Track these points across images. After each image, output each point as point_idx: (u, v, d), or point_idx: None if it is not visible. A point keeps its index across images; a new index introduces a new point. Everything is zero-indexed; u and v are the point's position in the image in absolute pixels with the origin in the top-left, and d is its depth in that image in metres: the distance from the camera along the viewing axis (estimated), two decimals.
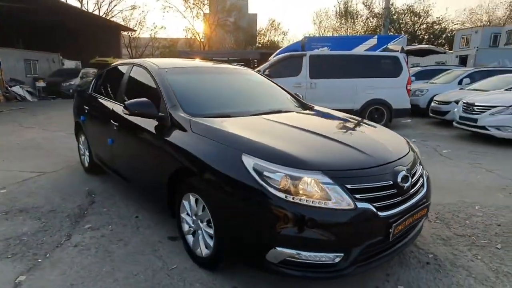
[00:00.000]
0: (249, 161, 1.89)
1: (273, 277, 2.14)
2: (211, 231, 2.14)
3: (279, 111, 2.89)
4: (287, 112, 2.93)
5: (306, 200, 1.75)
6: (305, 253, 1.75)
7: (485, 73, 10.62)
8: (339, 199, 1.77)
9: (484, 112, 6.61)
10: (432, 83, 11.51)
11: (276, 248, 1.76)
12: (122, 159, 3.26)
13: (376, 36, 12.09)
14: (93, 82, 4.33)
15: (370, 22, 36.34)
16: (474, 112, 6.84)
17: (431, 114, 9.34)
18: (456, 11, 73.08)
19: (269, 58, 11.16)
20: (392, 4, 32.31)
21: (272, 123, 2.49)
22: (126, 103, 2.62)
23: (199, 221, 2.26)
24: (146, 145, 2.76)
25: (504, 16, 35.12)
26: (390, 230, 1.88)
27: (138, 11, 61.46)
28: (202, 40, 38.32)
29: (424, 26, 34.88)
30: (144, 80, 3.11)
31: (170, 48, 40.64)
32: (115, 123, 3.18)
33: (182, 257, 2.43)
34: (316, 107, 3.29)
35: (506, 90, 7.70)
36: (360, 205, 1.79)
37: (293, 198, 1.75)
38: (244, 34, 39.85)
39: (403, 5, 40.84)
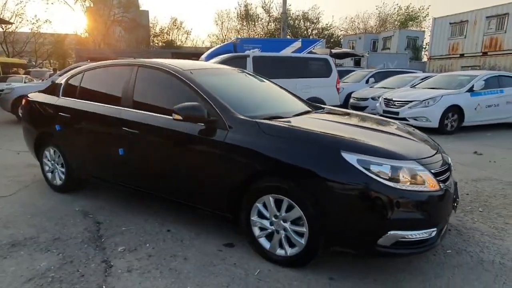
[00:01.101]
0: (351, 157, 2.04)
1: (361, 265, 2.34)
2: (301, 229, 2.21)
3: (309, 112, 3.06)
4: (317, 112, 3.11)
5: (409, 186, 2.01)
6: (412, 232, 2.01)
7: (385, 74, 12.67)
8: (431, 182, 2.08)
9: (403, 106, 7.99)
10: (344, 82, 13.11)
11: (390, 232, 1.97)
12: (144, 168, 2.93)
13: (300, 40, 13.19)
14: (59, 86, 3.70)
15: (270, 25, 38.67)
16: (394, 106, 8.19)
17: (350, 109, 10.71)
18: (339, 19, 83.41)
19: (200, 58, 11.02)
20: (289, 10, 35.18)
21: (327, 122, 2.66)
22: (176, 107, 2.44)
23: (281, 222, 2.29)
24: (193, 151, 2.59)
25: (375, 25, 41.76)
26: (455, 205, 2.28)
27: (15, 1, 51.17)
28: (93, 37, 34.59)
29: (316, 31, 38.90)
30: (165, 83, 2.89)
31: (56, 45, 35.69)
32: (133, 130, 2.85)
33: (255, 261, 2.40)
34: (325, 107, 3.56)
35: (411, 87, 9.40)
36: (442, 186, 2.14)
37: (400, 186, 1.98)
38: (145, 31, 37.68)
39: (297, 11, 44.63)
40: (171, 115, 2.53)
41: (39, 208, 3.35)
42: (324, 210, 2.08)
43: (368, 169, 2.00)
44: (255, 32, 40.03)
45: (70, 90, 3.59)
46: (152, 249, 2.59)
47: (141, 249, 2.59)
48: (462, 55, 20.24)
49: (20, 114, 4.27)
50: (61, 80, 3.75)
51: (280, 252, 2.34)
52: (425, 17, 38.71)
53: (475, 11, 19.26)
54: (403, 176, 2.01)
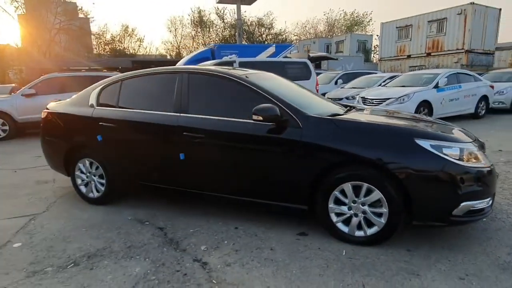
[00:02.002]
0: (425, 143, 2.40)
1: (427, 236, 2.70)
2: (380, 210, 2.51)
3: (351, 109, 3.40)
4: (357, 110, 3.44)
5: (472, 163, 2.41)
6: (477, 201, 2.41)
7: (351, 75, 13.60)
8: (485, 160, 2.51)
9: (381, 103, 8.73)
10: None
11: (462, 203, 2.35)
12: (211, 170, 3.04)
13: (274, 45, 13.64)
14: (91, 96, 3.64)
15: (224, 32, 39.00)
16: (372, 104, 8.91)
17: None
18: (291, 24, 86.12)
19: (178, 64, 10.97)
20: (244, 16, 35.80)
21: (379, 117, 3.01)
22: (256, 109, 2.65)
23: (360, 205, 2.57)
24: (267, 151, 2.78)
25: (325, 30, 44.03)
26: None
27: None
28: (37, 47, 32.20)
29: (270, 36, 40.01)
30: (223, 88, 3.07)
31: None
32: (197, 135, 2.96)
33: (335, 244, 2.65)
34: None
35: (383, 86, 10.27)
36: (490, 163, 2.58)
37: (466, 164, 2.38)
38: (90, 39, 35.87)
39: (252, 17, 45.45)
40: (240, 118, 2.76)
41: (88, 221, 3.28)
42: (406, 191, 2.41)
43: (441, 152, 2.37)
44: (210, 39, 40.13)
45: (107, 100, 3.57)
46: (233, 244, 2.73)
47: (223, 246, 2.71)
48: (409, 56, 22.23)
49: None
50: (92, 90, 3.69)
51: (359, 233, 2.62)
52: (368, 22, 41.79)
53: (418, 16, 21.33)
54: (467, 156, 2.42)
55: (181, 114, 3.09)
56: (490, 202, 2.53)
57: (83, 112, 3.60)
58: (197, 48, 40.65)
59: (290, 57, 11.04)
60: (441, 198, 2.39)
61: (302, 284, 2.18)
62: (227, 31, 38.43)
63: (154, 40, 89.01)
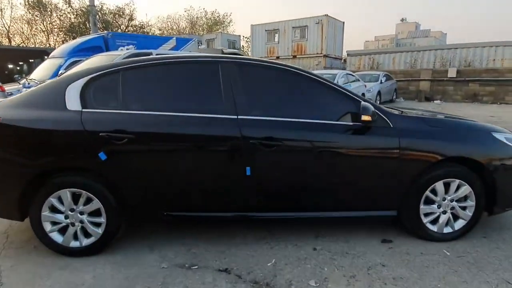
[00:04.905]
0: (501, 136, 2.61)
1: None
2: (466, 204, 2.58)
3: None
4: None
5: None
6: None
7: None
8: None
9: None
10: None
11: None
12: (291, 185, 2.45)
13: (175, 38, 12.28)
14: (71, 93, 2.38)
15: (76, 17, 33.29)
16: None
17: None
18: (152, 17, 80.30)
19: (52, 55, 8.67)
20: (103, 3, 31.43)
21: (427, 112, 3.09)
22: (366, 108, 2.28)
23: (449, 202, 2.58)
24: (363, 155, 2.47)
25: (187, 27, 43.40)
26: None
27: None
28: None
29: (131, 28, 36.61)
30: (290, 84, 2.56)
31: None
32: (273, 142, 2.34)
33: (426, 245, 2.58)
34: None
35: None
36: None
37: None
38: None
39: (108, 5, 40.28)
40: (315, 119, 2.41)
41: (113, 282, 2.15)
42: (493, 183, 2.54)
43: None
44: (54, 25, 33.50)
45: (102, 99, 2.41)
46: (339, 270, 2.29)
47: (332, 275, 2.24)
48: (278, 57, 24.36)
49: None
50: (67, 84, 2.41)
51: (447, 230, 2.63)
52: (229, 22, 43.59)
53: (284, 22, 23.58)
54: None
55: (242, 117, 2.38)
56: None
57: (58, 119, 2.32)
58: (36, 35, 33.52)
59: (200, 53, 10.30)
60: None
61: None
62: (79, 18, 32.92)
63: None
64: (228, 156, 2.37)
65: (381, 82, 13.83)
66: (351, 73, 12.29)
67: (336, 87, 2.54)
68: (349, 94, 2.52)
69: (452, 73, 15.82)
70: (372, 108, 2.34)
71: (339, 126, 2.45)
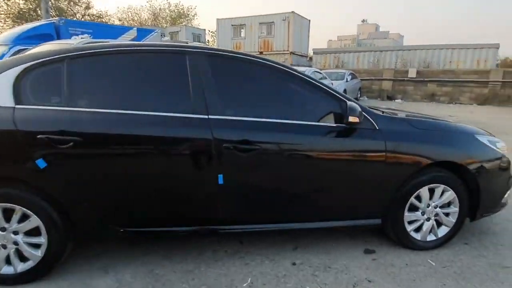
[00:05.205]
0: (484, 139, 2.51)
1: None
2: (449, 210, 2.47)
3: None
4: None
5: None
6: None
7: None
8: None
9: None
10: None
11: (509, 190, 2.61)
12: (268, 193, 2.17)
13: (135, 29, 11.44)
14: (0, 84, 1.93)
15: (21, 2, 30.59)
16: None
17: None
18: (112, 8, 75.66)
19: None
20: None
21: (409, 113, 2.95)
22: (353, 109, 2.06)
23: (433, 209, 2.44)
24: (349, 160, 2.26)
25: (149, 18, 41.63)
26: None
27: None
28: None
29: (88, 17, 34.41)
30: (259, 78, 2.29)
31: None
32: (252, 146, 2.04)
33: (410, 255, 2.43)
34: None
35: None
36: None
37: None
38: None
39: None
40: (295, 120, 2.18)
41: None
42: (477, 187, 2.43)
43: (495, 146, 2.54)
44: (0, 11, 30.57)
45: (42, 93, 1.98)
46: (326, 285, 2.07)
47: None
48: None
49: None
50: (1, 75, 1.95)
51: (430, 237, 2.50)
52: (194, 15, 42.45)
53: (251, 17, 23.24)
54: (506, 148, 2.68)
55: (214, 117, 2.06)
56: None
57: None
58: None
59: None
60: (500, 188, 2.57)
61: None
62: (29, 3, 30.31)
63: None
64: (197, 162, 2.04)
65: (346, 81, 14.01)
66: (318, 70, 12.27)
67: (321, 85, 2.30)
68: (334, 93, 2.29)
69: (412, 73, 16.45)
70: (359, 108, 2.12)
71: (322, 128, 2.22)
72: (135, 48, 2.17)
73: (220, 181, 2.05)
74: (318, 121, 2.26)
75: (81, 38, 7.76)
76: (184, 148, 2.04)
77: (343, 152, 2.24)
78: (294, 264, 2.30)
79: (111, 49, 2.12)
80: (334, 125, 2.23)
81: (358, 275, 2.18)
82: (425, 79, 16.28)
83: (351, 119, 2.08)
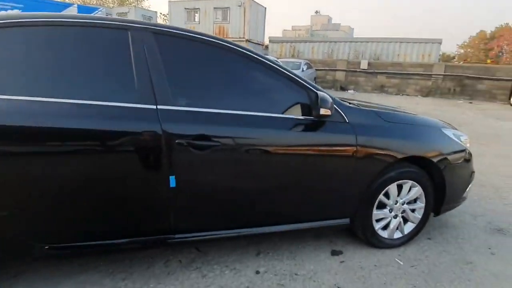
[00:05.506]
0: (449, 132, 2.46)
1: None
2: (416, 206, 2.39)
3: None
4: None
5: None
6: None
7: None
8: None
9: None
10: None
11: (470, 183, 2.61)
12: (227, 197, 1.88)
13: (76, 5, 10.18)
14: None
15: None
16: None
17: None
18: None
19: None
20: None
21: (375, 105, 2.81)
22: (324, 100, 1.84)
23: (401, 205, 2.35)
24: (317, 155, 2.03)
25: None
26: None
27: None
28: None
29: None
30: (217, 62, 1.97)
31: None
32: (206, 142, 1.74)
33: (384, 255, 2.32)
34: None
35: None
36: None
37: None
38: None
39: None
40: (276, 113, 1.95)
41: None
42: (442, 181, 2.37)
43: (459, 139, 2.50)
44: None
45: None
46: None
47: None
48: None
49: None
50: None
51: (397, 235, 2.41)
52: None
53: (205, 1, 22.34)
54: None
55: (163, 107, 1.71)
56: None
57: None
58: None
59: None
60: (463, 182, 2.55)
61: None
62: None
63: None
64: (143, 162, 1.70)
65: (302, 70, 14.02)
66: (275, 59, 12.11)
67: (288, 72, 2.04)
68: (304, 82, 2.04)
69: (364, 65, 16.99)
70: (331, 100, 1.91)
71: (289, 120, 1.98)
72: (66, 21, 1.72)
73: (172, 183, 1.72)
74: (282, 113, 2.01)
75: (10, 12, 6.76)
76: (127, 145, 1.67)
77: (311, 147, 2.02)
78: (257, 272, 2.07)
79: (36, 20, 1.66)
80: (302, 117, 2.00)
81: (327, 281, 2.01)
82: (376, 71, 16.91)
83: (323, 111, 1.86)
